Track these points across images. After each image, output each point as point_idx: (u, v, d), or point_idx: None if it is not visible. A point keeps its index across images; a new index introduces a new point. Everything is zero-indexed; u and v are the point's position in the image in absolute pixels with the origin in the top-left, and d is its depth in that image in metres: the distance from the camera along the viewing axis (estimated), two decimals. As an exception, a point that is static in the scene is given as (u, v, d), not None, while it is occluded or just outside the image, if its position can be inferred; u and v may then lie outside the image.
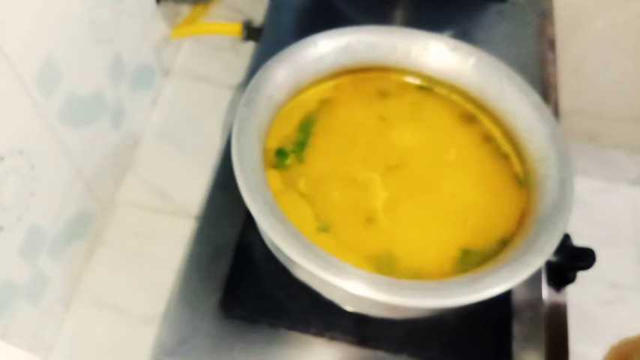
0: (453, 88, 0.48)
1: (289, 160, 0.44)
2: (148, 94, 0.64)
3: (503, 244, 0.42)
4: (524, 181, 0.44)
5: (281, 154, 0.44)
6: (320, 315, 0.44)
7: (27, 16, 0.40)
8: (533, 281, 0.47)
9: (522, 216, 0.43)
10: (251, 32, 0.65)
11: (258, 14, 0.68)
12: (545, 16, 0.63)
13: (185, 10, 0.69)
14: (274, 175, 0.44)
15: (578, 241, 0.48)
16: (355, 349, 0.44)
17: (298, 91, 0.47)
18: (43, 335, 0.50)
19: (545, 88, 0.57)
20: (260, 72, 0.45)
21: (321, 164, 0.45)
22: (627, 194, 0.67)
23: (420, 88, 0.49)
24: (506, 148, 0.46)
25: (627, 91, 0.73)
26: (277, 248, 0.38)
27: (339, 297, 0.43)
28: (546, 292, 0.47)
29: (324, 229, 0.41)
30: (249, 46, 0.68)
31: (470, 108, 0.48)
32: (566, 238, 0.48)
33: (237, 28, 0.65)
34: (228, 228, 0.48)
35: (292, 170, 0.44)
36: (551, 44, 0.61)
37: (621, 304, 0.60)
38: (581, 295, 0.54)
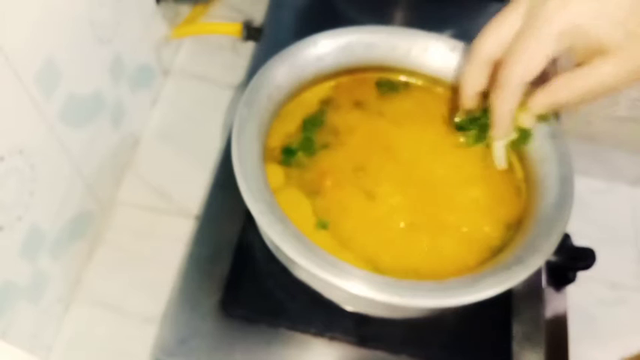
0: (454, 89, 0.48)
1: (296, 158, 0.44)
2: (147, 94, 0.64)
3: (499, 250, 0.42)
4: (523, 188, 0.44)
5: (288, 151, 0.45)
6: (320, 315, 0.44)
7: (27, 16, 0.40)
8: (533, 281, 0.47)
9: (519, 220, 0.43)
10: (251, 32, 0.65)
11: (258, 14, 0.68)
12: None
13: (185, 10, 0.69)
14: (277, 171, 0.44)
15: (578, 241, 0.48)
16: (355, 349, 0.44)
17: (298, 90, 0.47)
18: (43, 335, 0.50)
19: (545, 88, 0.57)
20: (260, 72, 0.45)
21: (324, 163, 0.45)
22: (627, 194, 0.67)
23: (421, 88, 0.49)
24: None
25: (627, 91, 0.73)
26: (277, 248, 0.38)
27: (339, 297, 0.43)
28: (546, 292, 0.47)
29: (323, 226, 0.41)
30: (249, 46, 0.68)
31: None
32: (566, 238, 0.48)
33: (237, 28, 0.66)
34: (228, 228, 0.48)
35: (297, 168, 0.44)
36: (551, 44, 0.61)
37: (621, 304, 0.60)
38: (581, 295, 0.54)
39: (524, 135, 0.43)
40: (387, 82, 0.49)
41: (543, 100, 0.39)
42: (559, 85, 0.38)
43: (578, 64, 0.37)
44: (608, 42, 0.35)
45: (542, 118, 0.42)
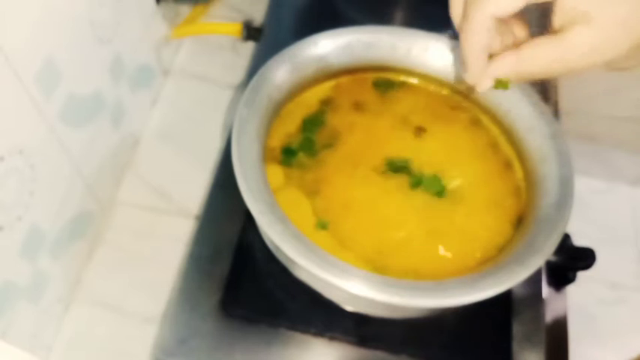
0: (454, 89, 0.48)
1: (296, 158, 0.44)
2: (147, 94, 0.64)
3: (499, 251, 0.42)
4: (523, 187, 0.44)
5: (289, 151, 0.45)
6: (320, 315, 0.44)
7: (27, 16, 0.40)
8: (533, 281, 0.47)
9: (519, 219, 0.43)
10: (251, 32, 0.65)
11: (258, 14, 0.68)
12: (545, 16, 0.63)
13: (185, 10, 0.69)
14: (277, 171, 0.44)
15: (578, 241, 0.48)
16: (355, 349, 0.44)
17: (298, 90, 0.47)
18: (43, 335, 0.50)
19: (545, 88, 0.57)
20: (260, 72, 0.45)
21: (325, 163, 0.45)
22: (627, 194, 0.67)
23: (420, 88, 0.49)
24: (508, 150, 0.46)
25: (628, 91, 0.73)
26: (277, 248, 0.38)
27: (339, 297, 0.43)
28: (546, 292, 0.47)
29: (323, 226, 0.41)
30: (249, 46, 0.68)
31: (470, 107, 0.48)
32: (566, 238, 0.48)
33: (237, 28, 0.66)
34: (228, 228, 0.48)
35: (297, 168, 0.44)
36: (551, 44, 0.61)
37: (621, 304, 0.60)
38: (581, 295, 0.54)
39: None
40: (385, 82, 0.49)
41: (509, 64, 0.36)
42: (527, 52, 0.35)
43: (552, 32, 0.35)
44: (588, 7, 0.32)
45: (501, 84, 0.38)
